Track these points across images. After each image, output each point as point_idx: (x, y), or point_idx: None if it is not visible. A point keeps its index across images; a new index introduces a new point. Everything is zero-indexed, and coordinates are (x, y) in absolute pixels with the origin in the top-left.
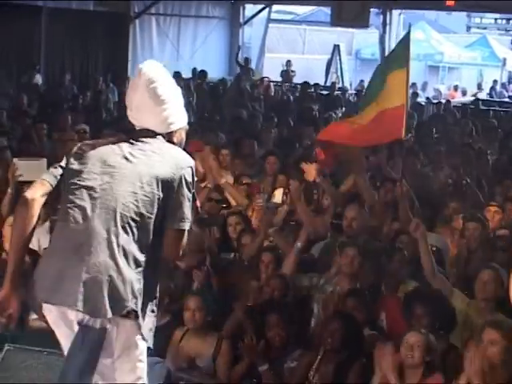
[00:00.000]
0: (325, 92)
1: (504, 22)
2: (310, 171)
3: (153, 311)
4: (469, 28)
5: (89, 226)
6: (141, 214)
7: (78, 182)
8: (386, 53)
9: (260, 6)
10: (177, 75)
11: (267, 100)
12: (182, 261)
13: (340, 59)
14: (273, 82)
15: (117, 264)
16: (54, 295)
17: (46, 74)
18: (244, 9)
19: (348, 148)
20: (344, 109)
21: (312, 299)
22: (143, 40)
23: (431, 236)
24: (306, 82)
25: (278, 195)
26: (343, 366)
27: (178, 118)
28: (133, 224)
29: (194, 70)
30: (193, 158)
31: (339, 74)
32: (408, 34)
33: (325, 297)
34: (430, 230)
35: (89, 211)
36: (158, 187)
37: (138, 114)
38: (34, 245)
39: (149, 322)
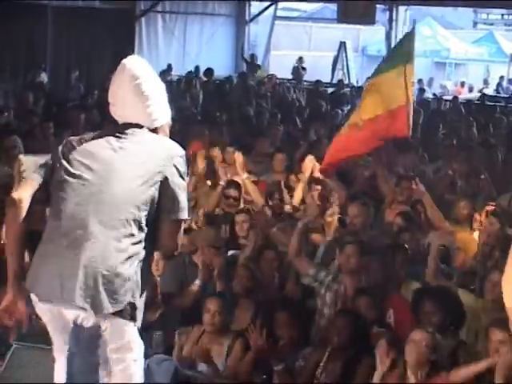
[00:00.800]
0: (331, 89)
1: (511, 17)
2: (306, 166)
3: (141, 296)
4: (475, 24)
5: (82, 222)
6: (135, 207)
7: (68, 179)
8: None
9: (266, 4)
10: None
11: (274, 97)
12: (201, 256)
13: (346, 56)
14: (279, 79)
15: (113, 258)
16: (52, 293)
17: (52, 73)
18: (250, 6)
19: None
20: (350, 106)
21: (317, 295)
22: (149, 38)
23: (436, 234)
24: (318, 81)
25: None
26: (351, 363)
27: (162, 114)
28: (127, 217)
29: (197, 67)
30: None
31: (345, 70)
32: (413, 30)
33: (332, 295)
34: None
35: (82, 207)
36: (150, 179)
37: (122, 110)
38: None
39: (140, 306)
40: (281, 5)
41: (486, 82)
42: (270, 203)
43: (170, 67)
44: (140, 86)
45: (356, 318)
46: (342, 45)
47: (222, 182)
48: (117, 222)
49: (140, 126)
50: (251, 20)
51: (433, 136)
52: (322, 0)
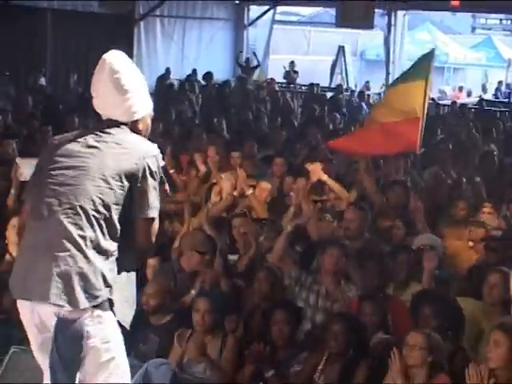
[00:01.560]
0: (329, 93)
1: (509, 22)
2: (315, 171)
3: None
4: (474, 29)
5: (56, 222)
6: (106, 206)
7: (45, 179)
8: (391, 54)
9: (265, 8)
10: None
11: (273, 101)
12: (186, 261)
13: (345, 60)
14: (278, 83)
15: (86, 256)
16: (26, 291)
17: (51, 76)
18: (249, 10)
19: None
20: (345, 109)
21: (297, 297)
22: (148, 42)
23: (423, 236)
24: (312, 84)
25: None
26: (349, 367)
27: (142, 106)
28: (99, 216)
29: (194, 71)
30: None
31: (344, 75)
32: (433, 50)
33: (314, 296)
34: (432, 231)
35: (55, 207)
36: (121, 179)
37: (103, 104)
38: None
39: (120, 301)
40: (279, 9)
41: (484, 87)
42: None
43: (168, 71)
44: (119, 80)
45: (353, 321)
46: (341, 49)
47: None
48: (88, 221)
49: (119, 124)
50: (250, 24)
51: (430, 140)
52: (320, 4)
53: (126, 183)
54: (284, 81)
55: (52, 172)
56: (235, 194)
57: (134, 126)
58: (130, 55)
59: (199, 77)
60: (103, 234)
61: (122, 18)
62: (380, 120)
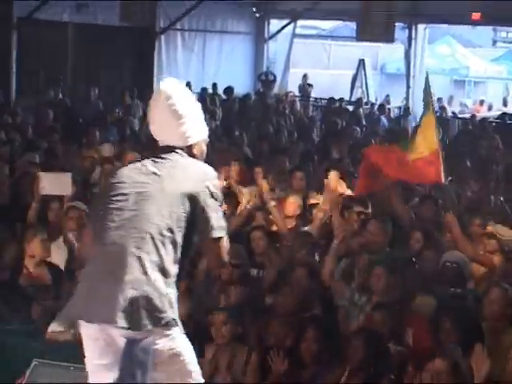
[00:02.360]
0: (350, 107)
1: None
2: (334, 179)
3: None
4: (495, 42)
5: (121, 246)
6: (170, 230)
7: (108, 205)
8: (411, 68)
9: (285, 21)
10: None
11: (293, 115)
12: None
13: (365, 74)
14: (298, 96)
15: (150, 279)
16: (92, 314)
17: (72, 90)
18: (269, 24)
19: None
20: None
21: (349, 317)
22: (168, 55)
23: (448, 253)
24: (331, 98)
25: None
26: (370, 381)
27: (196, 131)
28: (163, 240)
29: (215, 85)
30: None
31: (364, 88)
32: (427, 79)
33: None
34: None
35: (121, 232)
36: (184, 202)
37: (159, 130)
38: (54, 259)
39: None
40: (300, 23)
41: (505, 101)
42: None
43: (189, 84)
44: (174, 107)
45: (372, 336)
46: (361, 62)
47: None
48: (153, 244)
49: (175, 149)
50: (270, 38)
51: (452, 155)
52: (340, 18)
53: (188, 206)
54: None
55: (114, 198)
56: (249, 206)
57: (189, 151)
58: (151, 69)
59: (219, 90)
60: (167, 257)
61: (143, 32)
62: (414, 152)
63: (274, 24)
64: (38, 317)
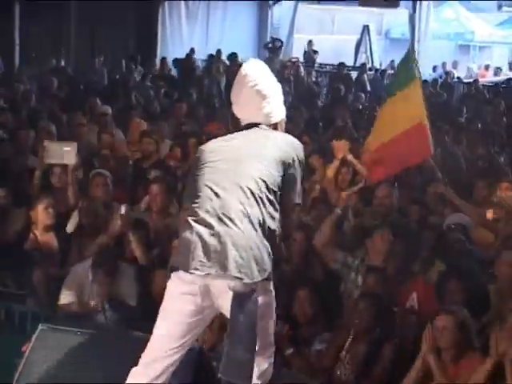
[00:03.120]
0: (354, 72)
1: None
2: (340, 148)
3: None
4: (500, 7)
5: (224, 200)
6: (268, 189)
7: (205, 170)
8: (416, 32)
9: None
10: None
11: (297, 81)
12: None
13: (370, 39)
14: (302, 63)
15: (255, 232)
16: (203, 265)
17: (76, 58)
18: None
19: None
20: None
21: (346, 280)
22: (172, 22)
23: (455, 215)
24: (340, 63)
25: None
26: (375, 345)
27: (278, 111)
28: (263, 196)
29: (219, 51)
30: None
31: (369, 54)
32: (408, 53)
33: (362, 277)
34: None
35: (221, 189)
36: (277, 166)
37: (244, 110)
38: None
39: None
40: None
41: (510, 65)
42: None
43: (192, 51)
44: (259, 89)
45: (377, 299)
46: (365, 28)
47: None
48: (255, 200)
49: (262, 125)
50: (275, 3)
51: (456, 119)
52: None
53: (281, 170)
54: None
55: (211, 165)
56: None
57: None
58: (155, 35)
59: (223, 56)
60: (267, 213)
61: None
62: (386, 139)
63: None
64: (39, 282)
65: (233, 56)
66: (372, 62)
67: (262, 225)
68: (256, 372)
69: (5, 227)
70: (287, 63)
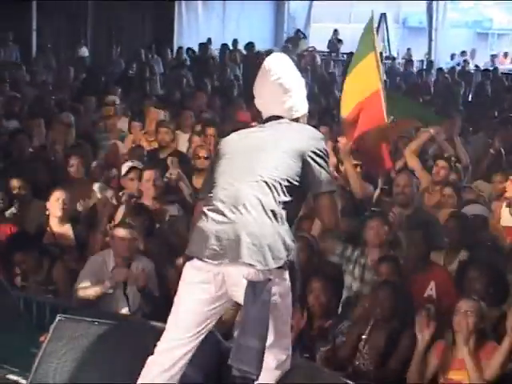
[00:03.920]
0: None
1: None
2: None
3: None
4: None
5: (237, 191)
6: (284, 179)
7: (222, 160)
8: (434, 21)
9: None
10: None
11: (313, 71)
12: None
13: (387, 28)
14: (319, 52)
15: (270, 220)
16: (216, 254)
17: (94, 49)
18: None
19: None
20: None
21: (345, 272)
22: (189, 12)
23: (474, 206)
24: (351, 53)
25: None
26: (394, 334)
27: (301, 106)
28: (277, 186)
29: (235, 40)
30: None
31: (386, 43)
32: (370, 21)
33: (361, 268)
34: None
35: (235, 178)
36: (295, 157)
37: (266, 104)
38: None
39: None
40: None
41: None
42: None
43: (209, 41)
44: (282, 83)
45: (397, 288)
46: (383, 16)
47: None
48: (269, 188)
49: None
50: None
51: (475, 108)
52: None
53: (299, 161)
54: (327, 50)
55: (227, 155)
56: None
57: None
58: (171, 26)
59: (240, 46)
60: (283, 203)
61: None
62: (345, 114)
63: None
64: (59, 277)
65: (250, 45)
66: (389, 50)
67: (277, 214)
68: (274, 362)
69: (25, 219)
70: (303, 53)
